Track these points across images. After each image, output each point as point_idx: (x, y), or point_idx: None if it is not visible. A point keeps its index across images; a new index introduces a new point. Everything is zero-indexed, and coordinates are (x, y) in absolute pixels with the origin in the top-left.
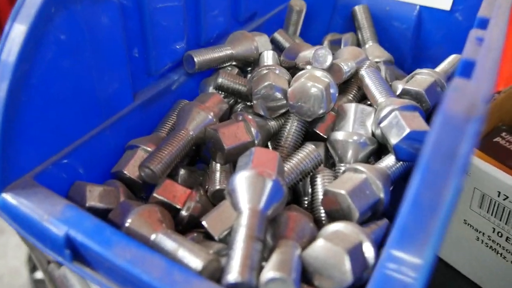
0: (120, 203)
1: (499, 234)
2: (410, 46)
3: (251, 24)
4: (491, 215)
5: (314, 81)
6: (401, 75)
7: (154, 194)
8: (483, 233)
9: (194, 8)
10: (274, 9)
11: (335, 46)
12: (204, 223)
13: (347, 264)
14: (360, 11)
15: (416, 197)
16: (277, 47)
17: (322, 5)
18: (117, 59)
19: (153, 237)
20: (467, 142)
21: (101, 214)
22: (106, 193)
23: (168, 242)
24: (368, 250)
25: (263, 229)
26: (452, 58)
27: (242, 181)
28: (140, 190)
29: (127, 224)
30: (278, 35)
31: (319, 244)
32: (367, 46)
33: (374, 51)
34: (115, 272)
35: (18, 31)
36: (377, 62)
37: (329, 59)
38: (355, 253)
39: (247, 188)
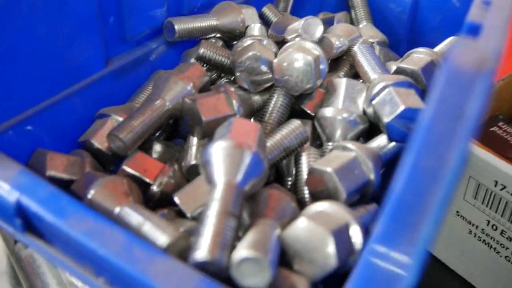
0: (85, 174)
1: (494, 227)
2: (406, 29)
3: None
4: (486, 206)
5: (302, 52)
6: (395, 57)
7: (123, 167)
8: (476, 226)
9: None
10: None
11: (327, 26)
12: (176, 199)
13: (332, 247)
14: None
15: (417, 161)
16: (266, 23)
17: None
18: (88, 23)
19: (117, 210)
20: (477, 100)
21: (63, 185)
22: (69, 162)
23: (133, 216)
24: (356, 234)
25: (238, 204)
26: (450, 40)
27: (218, 152)
28: (110, 163)
29: (89, 196)
30: (267, 10)
31: (301, 224)
32: (360, 26)
33: (368, 31)
34: (70, 246)
35: None
36: (371, 43)
37: (319, 30)
38: (341, 235)
39: (223, 160)
